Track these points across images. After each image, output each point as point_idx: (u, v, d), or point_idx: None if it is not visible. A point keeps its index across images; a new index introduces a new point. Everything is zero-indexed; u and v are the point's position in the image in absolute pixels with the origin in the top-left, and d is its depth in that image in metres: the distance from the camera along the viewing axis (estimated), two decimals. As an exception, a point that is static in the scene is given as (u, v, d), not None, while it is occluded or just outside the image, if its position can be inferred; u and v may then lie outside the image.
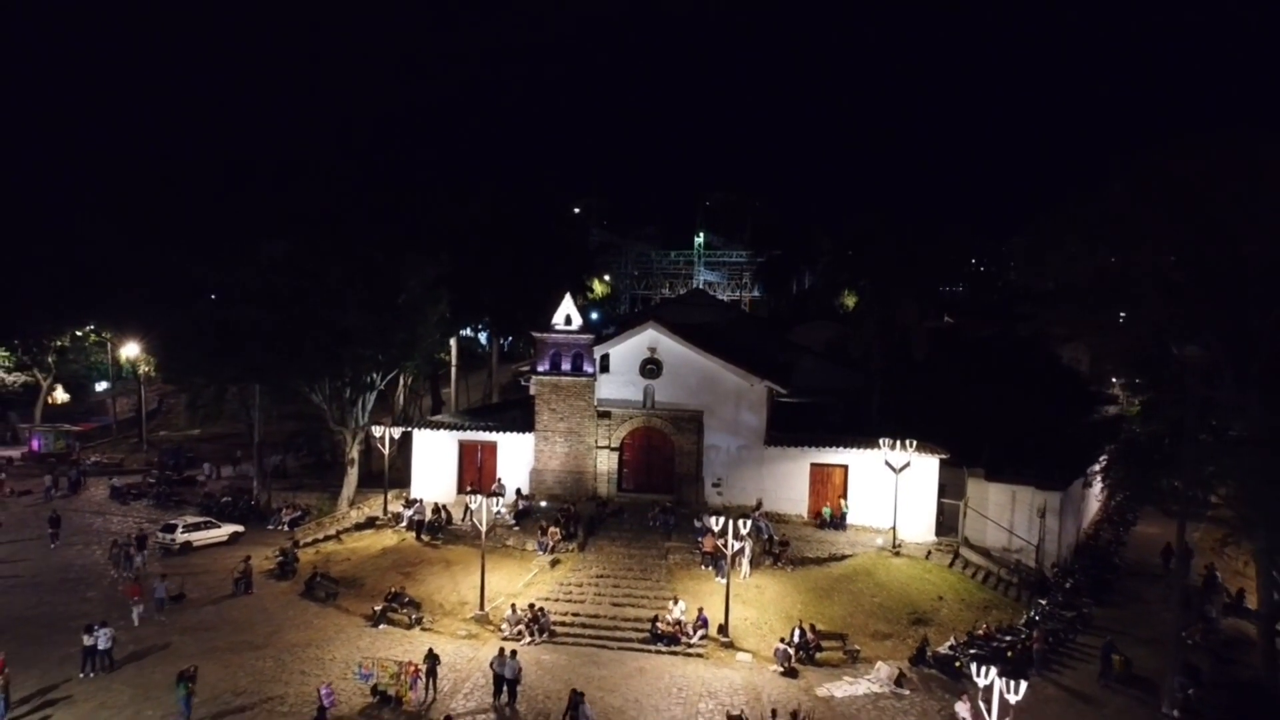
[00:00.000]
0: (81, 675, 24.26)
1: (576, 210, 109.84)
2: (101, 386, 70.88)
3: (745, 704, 23.14)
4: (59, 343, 59.91)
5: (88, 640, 24.51)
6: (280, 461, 48.51)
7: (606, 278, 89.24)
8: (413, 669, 23.25)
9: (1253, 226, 23.15)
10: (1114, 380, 56.97)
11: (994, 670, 17.11)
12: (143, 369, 57.68)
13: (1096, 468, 35.86)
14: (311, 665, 25.42)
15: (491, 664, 23.69)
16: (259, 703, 23.02)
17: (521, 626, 27.22)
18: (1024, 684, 16.99)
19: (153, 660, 25.59)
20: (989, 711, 17.28)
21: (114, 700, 23.10)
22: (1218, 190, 23.18)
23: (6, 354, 62.43)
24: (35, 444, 55.64)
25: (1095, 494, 41.62)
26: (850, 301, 62.79)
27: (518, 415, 40.70)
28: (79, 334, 62.42)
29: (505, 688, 23.18)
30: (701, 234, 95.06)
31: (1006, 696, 16.96)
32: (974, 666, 17.60)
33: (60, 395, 68.14)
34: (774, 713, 20.78)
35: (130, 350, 56.61)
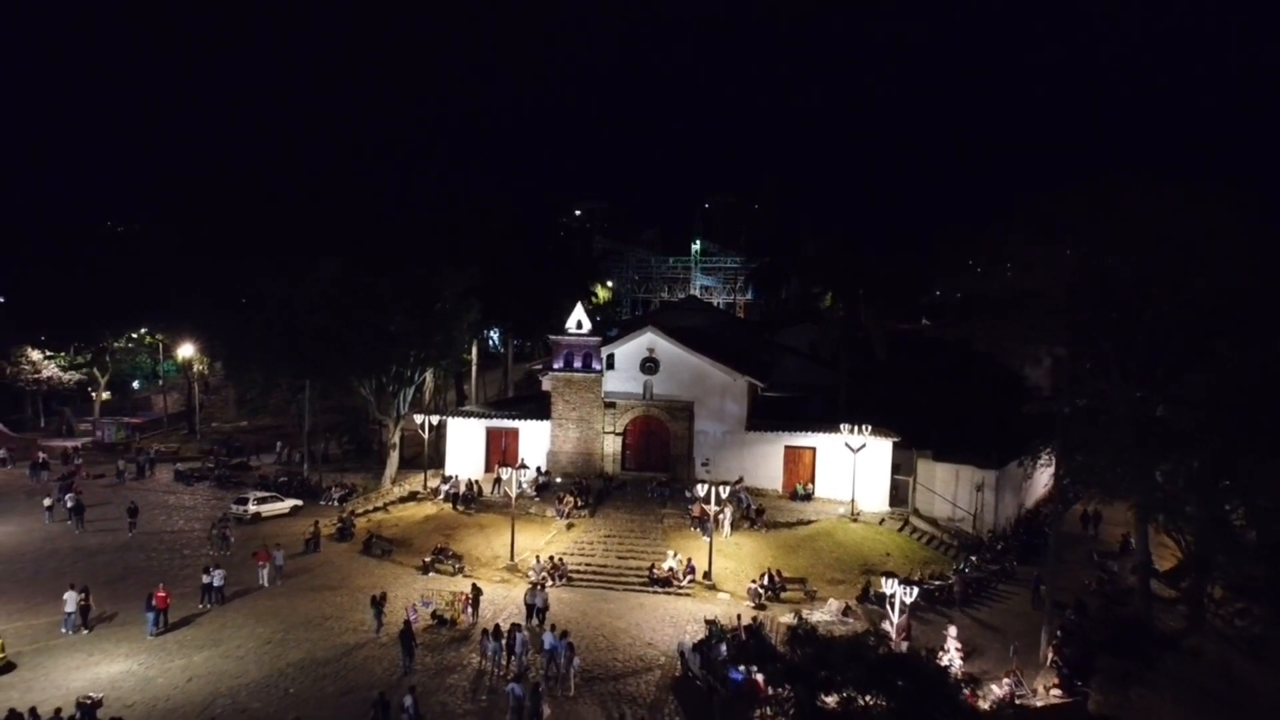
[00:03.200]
0: (200, 606, 30.83)
1: (578, 212, 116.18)
2: (135, 385, 77.30)
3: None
4: (116, 344, 66.20)
5: (205, 579, 31.16)
6: (324, 447, 55.00)
7: (609, 283, 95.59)
8: (463, 598, 29.90)
9: (1115, 255, 29.76)
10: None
11: (895, 580, 23.69)
12: (196, 367, 64.20)
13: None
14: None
15: (525, 597, 30.27)
16: (345, 624, 29.64)
17: (545, 573, 33.72)
18: (915, 589, 23.54)
19: (253, 597, 32.20)
20: (893, 611, 23.85)
21: (231, 623, 29.70)
22: (1085, 226, 29.76)
23: (62, 355, 68.53)
24: (100, 435, 62.27)
25: (1042, 476, 48.09)
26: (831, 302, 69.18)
27: (534, 406, 47.39)
28: (134, 336, 68.75)
29: (535, 614, 29.73)
30: (698, 241, 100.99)
31: (904, 599, 23.54)
32: (883, 580, 24.16)
33: (103, 393, 74.55)
34: (739, 617, 27.38)
35: (185, 350, 62.99)
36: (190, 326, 59.62)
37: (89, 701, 21.95)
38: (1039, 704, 24.66)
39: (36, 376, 65.30)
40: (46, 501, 42.30)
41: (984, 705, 21.96)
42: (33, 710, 21.57)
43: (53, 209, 72.18)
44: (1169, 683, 29.57)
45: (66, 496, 42.18)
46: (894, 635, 24.89)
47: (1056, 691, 25.58)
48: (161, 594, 28.73)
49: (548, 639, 25.94)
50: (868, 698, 18.21)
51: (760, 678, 21.24)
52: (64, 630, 28.26)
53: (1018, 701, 24.37)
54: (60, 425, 68.69)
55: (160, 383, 72.10)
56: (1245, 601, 26.35)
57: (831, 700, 18.36)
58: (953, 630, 27.15)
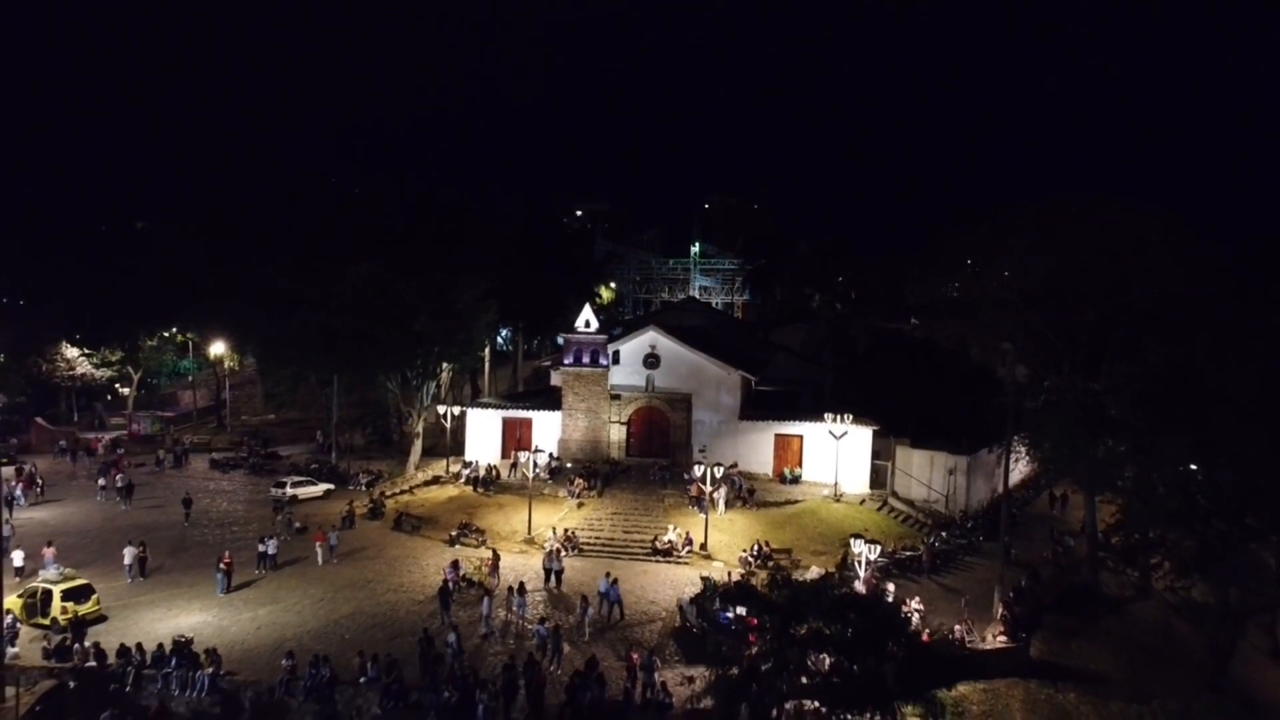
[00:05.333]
0: (257, 572, 35.00)
1: (579, 213, 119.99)
2: (159, 381, 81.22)
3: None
4: (150, 342, 70.17)
5: (261, 548, 35.38)
6: (349, 438, 59.18)
7: (613, 285, 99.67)
8: (489, 563, 34.10)
9: (1065, 263, 33.95)
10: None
11: (862, 541, 27.88)
12: (227, 363, 68.35)
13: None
14: (413, 567, 36.18)
15: (544, 561, 34.47)
16: (385, 586, 33.86)
17: (559, 545, 37.87)
18: (878, 546, 27.73)
19: (302, 565, 36.37)
20: (861, 569, 28.04)
21: (285, 584, 33.93)
22: (1041, 236, 33.97)
23: (95, 354, 72.08)
24: (136, 427, 66.48)
25: (1020, 464, 52.19)
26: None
27: (545, 398, 51.63)
28: (165, 334, 72.77)
29: (554, 577, 33.92)
30: (698, 244, 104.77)
31: (870, 557, 27.74)
32: (851, 541, 28.32)
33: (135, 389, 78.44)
34: (729, 574, 31.59)
35: (217, 348, 67.05)
36: (222, 326, 63.64)
37: (183, 639, 26.14)
38: (985, 648, 28.82)
39: (71, 373, 69.08)
40: (101, 483, 46.56)
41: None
42: (139, 645, 25.76)
43: (90, 211, 76.16)
44: (1109, 638, 33.76)
45: (117, 478, 46.42)
46: (862, 589, 29.06)
47: (1002, 639, 29.76)
48: (227, 559, 32.98)
49: (602, 583, 30.89)
50: (831, 627, 22.38)
51: (745, 615, 25.38)
52: (127, 580, 33.25)
53: (968, 645, 28.53)
54: (93, 419, 72.62)
55: (190, 379, 76.07)
56: (1159, 557, 30.40)
57: (802, 629, 22.53)
58: (890, 586, 31.38)
